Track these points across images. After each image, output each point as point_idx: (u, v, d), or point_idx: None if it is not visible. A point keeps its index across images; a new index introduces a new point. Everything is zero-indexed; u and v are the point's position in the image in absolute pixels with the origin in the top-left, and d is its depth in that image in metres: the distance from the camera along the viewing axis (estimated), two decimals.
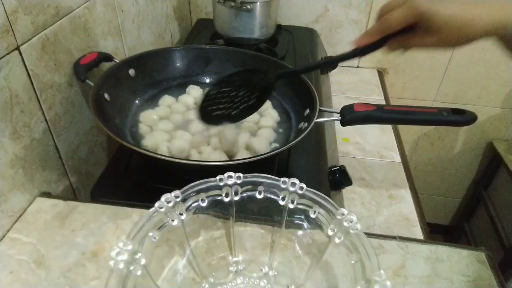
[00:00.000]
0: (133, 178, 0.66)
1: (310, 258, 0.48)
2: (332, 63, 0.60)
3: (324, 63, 0.72)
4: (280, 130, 0.70)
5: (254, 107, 0.61)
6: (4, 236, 0.52)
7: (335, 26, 1.22)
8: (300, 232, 0.49)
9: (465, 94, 1.28)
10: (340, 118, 0.62)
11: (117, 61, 0.70)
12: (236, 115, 0.60)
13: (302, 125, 0.65)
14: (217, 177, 0.44)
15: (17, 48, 0.51)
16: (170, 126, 0.68)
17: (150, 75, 0.75)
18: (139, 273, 0.38)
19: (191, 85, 0.76)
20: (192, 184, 0.43)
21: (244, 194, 0.45)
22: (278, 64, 0.75)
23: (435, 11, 0.42)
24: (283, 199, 0.45)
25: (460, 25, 0.41)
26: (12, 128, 0.52)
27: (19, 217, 0.54)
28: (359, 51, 0.50)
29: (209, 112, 0.59)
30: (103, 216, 0.55)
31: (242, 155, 0.62)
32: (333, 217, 0.42)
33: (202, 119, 0.58)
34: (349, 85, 1.19)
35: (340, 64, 1.15)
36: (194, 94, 0.75)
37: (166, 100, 0.73)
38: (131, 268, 0.37)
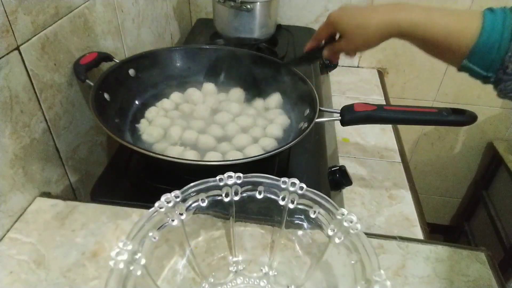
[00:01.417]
0: (133, 178, 0.66)
1: (310, 258, 0.48)
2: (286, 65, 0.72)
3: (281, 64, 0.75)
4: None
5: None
6: (4, 236, 0.52)
7: None
8: (300, 232, 0.49)
9: (465, 94, 1.28)
10: (340, 118, 0.62)
11: (117, 61, 0.70)
12: None
13: (302, 125, 0.65)
14: (217, 177, 0.44)
15: (17, 48, 0.51)
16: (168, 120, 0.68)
17: (150, 75, 0.75)
18: (139, 273, 0.38)
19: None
20: (192, 184, 0.43)
21: (244, 194, 0.45)
22: (278, 64, 0.75)
23: (340, 19, 0.55)
24: (283, 199, 0.45)
25: (357, 26, 0.53)
26: (12, 128, 0.52)
27: (19, 217, 0.54)
28: (305, 57, 0.67)
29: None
30: (103, 216, 0.55)
31: (242, 155, 0.62)
32: (333, 217, 0.42)
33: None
34: (349, 85, 1.19)
35: (340, 64, 1.15)
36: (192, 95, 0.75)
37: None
38: (131, 268, 0.37)
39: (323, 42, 0.62)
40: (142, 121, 0.68)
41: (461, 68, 0.48)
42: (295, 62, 0.72)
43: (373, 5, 0.56)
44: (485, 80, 0.47)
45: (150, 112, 0.70)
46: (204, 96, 0.75)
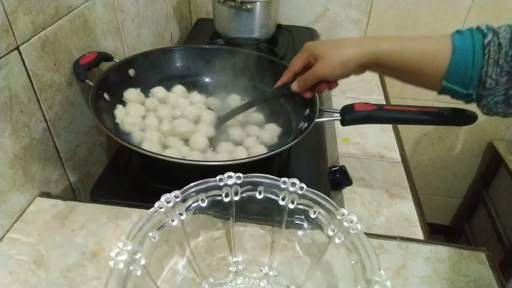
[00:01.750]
0: (133, 178, 0.66)
1: (310, 258, 0.48)
2: (261, 101, 0.68)
3: (252, 102, 0.68)
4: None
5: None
6: (4, 236, 0.52)
7: (335, 26, 1.22)
8: (300, 232, 0.49)
9: None
10: (340, 118, 0.61)
11: (117, 61, 0.70)
12: None
13: (302, 125, 0.65)
14: (217, 177, 0.44)
15: (17, 48, 0.51)
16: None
17: (150, 75, 0.75)
18: (139, 273, 0.37)
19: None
20: (192, 184, 0.43)
21: (244, 194, 0.45)
22: (278, 64, 0.75)
23: (316, 44, 0.55)
24: (283, 199, 0.45)
25: (334, 47, 0.52)
26: (11, 128, 0.52)
27: (18, 217, 0.54)
28: (280, 91, 0.62)
29: None
30: (103, 216, 0.55)
31: (242, 155, 0.62)
32: (333, 217, 0.42)
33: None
34: (349, 85, 1.19)
35: None
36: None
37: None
38: (131, 268, 0.37)
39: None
40: (119, 106, 0.67)
41: (442, 90, 0.49)
42: (264, 97, 0.68)
43: (345, 38, 0.56)
44: (467, 98, 0.48)
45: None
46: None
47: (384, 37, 0.52)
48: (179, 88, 0.74)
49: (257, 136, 0.67)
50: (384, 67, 0.52)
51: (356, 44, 0.52)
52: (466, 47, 0.45)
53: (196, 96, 0.74)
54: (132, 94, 0.69)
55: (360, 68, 0.53)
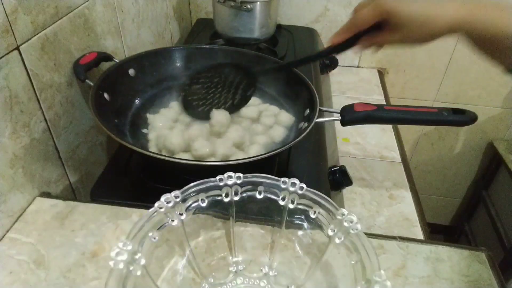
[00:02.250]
0: (133, 178, 0.66)
1: (310, 258, 0.48)
2: (312, 59, 0.67)
3: (303, 59, 0.69)
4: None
5: (238, 105, 0.68)
6: (3, 236, 0.52)
7: (335, 26, 1.22)
8: (300, 232, 0.49)
9: (465, 94, 1.28)
10: (340, 118, 0.61)
11: (117, 60, 0.70)
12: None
13: (302, 125, 0.65)
14: (217, 177, 0.44)
15: (17, 48, 0.51)
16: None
17: (150, 75, 0.75)
18: (138, 273, 0.37)
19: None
20: (192, 184, 0.43)
21: (244, 194, 0.45)
22: (277, 64, 0.75)
23: (399, 8, 0.44)
24: (283, 199, 0.45)
25: (422, 22, 0.43)
26: (11, 128, 0.52)
27: (18, 217, 0.54)
28: (333, 49, 0.53)
29: (194, 107, 0.67)
30: (103, 216, 0.55)
31: (242, 155, 0.62)
32: (333, 217, 0.42)
33: (187, 111, 0.66)
34: (349, 85, 1.19)
35: (340, 64, 1.15)
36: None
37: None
38: (131, 268, 0.37)
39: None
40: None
41: (509, 73, 0.42)
42: (329, 50, 0.57)
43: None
44: None
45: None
46: None
47: (487, 12, 0.42)
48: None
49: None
50: (473, 38, 0.43)
51: (455, 13, 0.42)
52: None
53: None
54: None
55: (447, 36, 0.44)
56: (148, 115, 0.69)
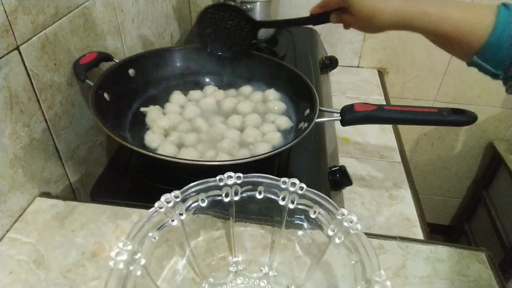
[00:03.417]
0: (133, 178, 0.66)
1: (310, 258, 0.48)
2: (289, 23, 0.75)
3: (288, 21, 0.78)
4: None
5: (245, 51, 0.76)
6: (3, 236, 0.52)
7: (335, 25, 1.20)
8: (300, 232, 0.49)
9: (465, 94, 1.28)
10: (340, 118, 0.61)
11: (117, 61, 0.70)
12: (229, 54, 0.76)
13: (302, 125, 0.65)
14: (217, 177, 0.44)
15: (17, 48, 0.51)
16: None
17: (150, 75, 0.75)
18: (138, 273, 0.37)
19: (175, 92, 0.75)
20: (192, 184, 0.43)
21: (244, 194, 0.45)
22: (278, 64, 0.75)
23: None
24: (283, 199, 0.45)
25: (370, 13, 0.52)
26: (11, 128, 0.52)
27: (18, 217, 0.54)
28: (309, 19, 0.67)
29: (208, 39, 0.75)
30: (103, 216, 0.55)
31: (242, 155, 0.62)
32: (333, 217, 0.42)
33: (202, 42, 0.75)
34: (349, 85, 1.19)
35: (340, 64, 1.15)
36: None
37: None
38: (131, 268, 0.37)
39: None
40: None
41: (470, 63, 0.47)
42: (299, 21, 0.72)
43: None
44: (494, 76, 0.46)
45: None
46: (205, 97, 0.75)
47: (426, 4, 0.49)
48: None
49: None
50: (420, 31, 0.50)
51: (397, 8, 0.50)
52: (508, 27, 0.42)
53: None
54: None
55: (394, 29, 0.52)
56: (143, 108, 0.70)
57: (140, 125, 0.68)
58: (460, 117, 0.57)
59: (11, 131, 0.51)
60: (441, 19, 0.47)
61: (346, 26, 0.59)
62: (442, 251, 0.52)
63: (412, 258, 0.51)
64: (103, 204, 0.57)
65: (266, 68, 0.76)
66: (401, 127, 1.02)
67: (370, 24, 0.53)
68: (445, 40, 0.48)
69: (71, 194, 0.67)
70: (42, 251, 0.50)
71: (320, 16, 0.63)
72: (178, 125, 0.67)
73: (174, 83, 0.77)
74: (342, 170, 0.69)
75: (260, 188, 0.45)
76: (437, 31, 0.48)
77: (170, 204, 0.41)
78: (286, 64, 0.74)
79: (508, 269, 1.25)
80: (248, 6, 0.93)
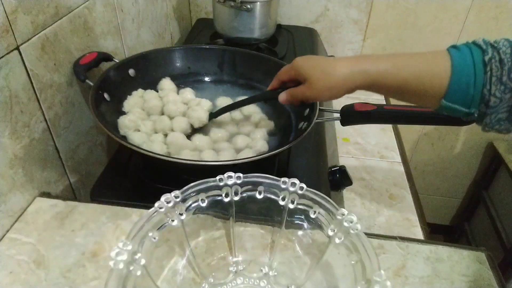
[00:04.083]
0: (133, 178, 0.66)
1: (310, 258, 0.48)
2: (248, 102, 0.67)
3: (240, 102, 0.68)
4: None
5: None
6: (3, 236, 0.52)
7: (335, 26, 1.22)
8: (300, 232, 0.49)
9: None
10: (340, 118, 0.61)
11: (117, 61, 0.70)
12: None
13: (302, 125, 0.65)
14: (217, 177, 0.44)
15: (17, 48, 0.51)
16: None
17: (150, 75, 0.75)
18: (138, 273, 0.37)
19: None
20: (192, 184, 0.43)
21: (244, 194, 0.45)
22: (278, 64, 0.75)
23: (303, 64, 0.53)
24: (283, 199, 0.45)
25: (320, 75, 0.50)
26: (11, 128, 0.52)
27: (18, 217, 0.54)
28: (261, 96, 0.66)
29: None
30: (103, 216, 0.55)
31: (242, 155, 0.62)
32: (333, 217, 0.42)
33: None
34: None
35: None
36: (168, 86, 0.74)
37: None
38: (131, 268, 0.37)
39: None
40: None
41: (440, 108, 0.46)
42: (252, 99, 0.67)
43: (337, 57, 0.52)
44: (467, 117, 0.45)
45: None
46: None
47: (377, 57, 0.49)
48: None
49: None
50: (379, 88, 0.49)
51: (347, 66, 0.49)
52: (466, 65, 0.43)
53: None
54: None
55: (352, 90, 0.50)
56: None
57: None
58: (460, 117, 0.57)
59: (11, 131, 0.51)
60: (397, 68, 0.46)
61: (303, 101, 0.56)
62: (442, 251, 0.52)
63: (412, 258, 0.51)
64: (103, 204, 0.57)
65: (266, 68, 0.76)
66: (401, 127, 1.02)
67: (323, 87, 0.50)
68: (406, 91, 0.47)
69: (71, 194, 0.67)
70: (42, 251, 0.50)
71: (271, 93, 0.60)
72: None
73: (174, 83, 0.77)
74: (342, 170, 0.69)
75: (260, 188, 0.45)
76: (395, 84, 0.47)
77: (170, 204, 0.41)
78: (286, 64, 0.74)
79: (508, 269, 1.25)
80: (248, 6, 0.93)
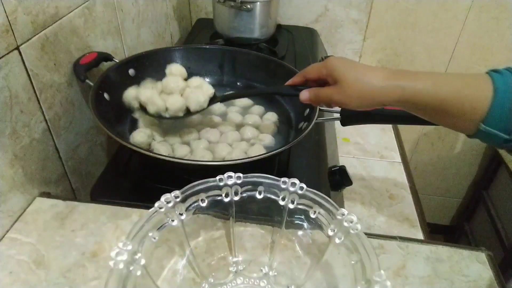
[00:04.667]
0: (133, 178, 0.66)
1: (310, 258, 0.48)
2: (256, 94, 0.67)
3: (259, 92, 0.70)
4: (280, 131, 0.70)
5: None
6: (3, 236, 0.52)
7: (335, 25, 1.22)
8: (300, 232, 0.49)
9: None
10: (340, 117, 0.61)
11: (117, 61, 0.70)
12: None
13: (302, 125, 0.65)
14: (217, 177, 0.44)
15: (17, 48, 0.51)
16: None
17: (150, 75, 0.74)
18: (138, 273, 0.37)
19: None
20: (192, 184, 0.43)
21: (244, 194, 0.45)
22: (278, 64, 0.75)
23: (338, 65, 0.49)
24: (283, 199, 0.45)
25: (357, 79, 0.47)
26: (11, 128, 0.52)
27: (18, 217, 0.54)
28: (280, 90, 0.61)
29: None
30: (103, 216, 0.55)
31: (242, 154, 0.62)
32: (333, 217, 0.42)
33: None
34: None
35: None
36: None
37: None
38: (131, 268, 0.37)
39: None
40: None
41: (478, 133, 0.43)
42: (268, 90, 0.65)
43: (375, 66, 0.49)
44: (506, 143, 0.42)
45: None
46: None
47: (415, 73, 0.46)
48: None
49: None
50: (415, 106, 0.46)
51: (384, 78, 0.46)
52: (509, 89, 0.41)
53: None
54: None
55: (384, 104, 0.47)
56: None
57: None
58: None
59: (11, 131, 0.51)
60: (436, 87, 0.44)
61: (328, 105, 0.53)
62: (442, 251, 0.52)
63: (412, 258, 0.51)
64: (103, 204, 0.57)
65: (266, 68, 0.76)
66: (401, 127, 1.02)
67: (355, 94, 0.47)
68: (445, 110, 0.44)
69: (71, 194, 0.67)
70: (42, 251, 0.50)
71: (294, 88, 0.56)
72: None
73: None
74: (342, 170, 0.69)
75: (260, 188, 0.45)
76: (434, 101, 0.44)
77: (170, 204, 0.41)
78: (286, 64, 0.74)
79: (508, 269, 1.25)
80: (248, 6, 0.93)
